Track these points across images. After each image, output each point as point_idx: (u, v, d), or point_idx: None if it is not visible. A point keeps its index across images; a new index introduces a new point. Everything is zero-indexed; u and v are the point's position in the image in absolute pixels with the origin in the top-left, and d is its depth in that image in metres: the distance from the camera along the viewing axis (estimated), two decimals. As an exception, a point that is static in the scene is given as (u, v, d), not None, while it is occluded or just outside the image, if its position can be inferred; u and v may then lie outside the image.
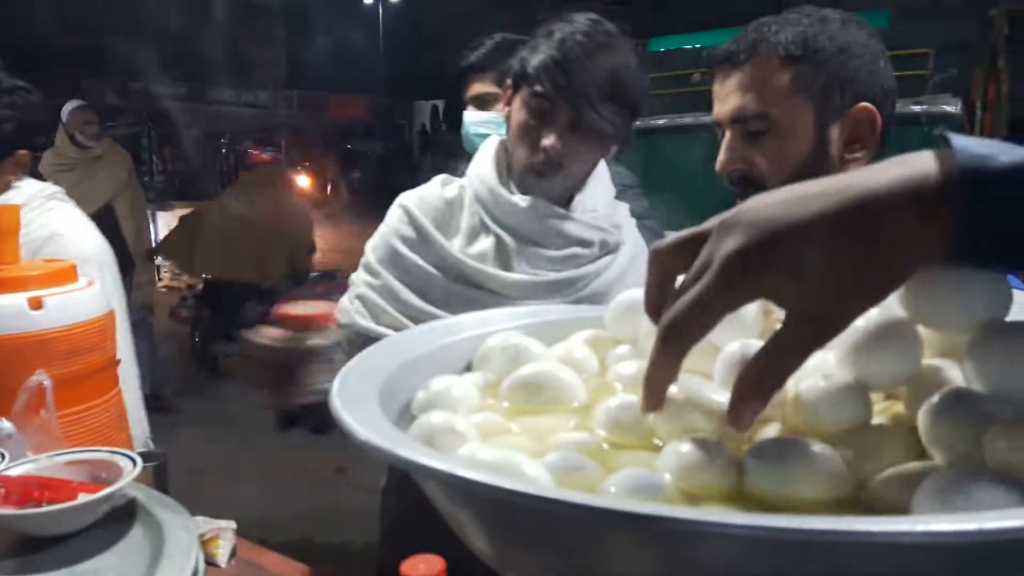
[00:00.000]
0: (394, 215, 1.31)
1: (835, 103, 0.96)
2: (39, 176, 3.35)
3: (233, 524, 1.32)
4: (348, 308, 1.28)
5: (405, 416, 0.51)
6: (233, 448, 4.26)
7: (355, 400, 0.45)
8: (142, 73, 23.80)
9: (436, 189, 1.31)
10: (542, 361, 0.56)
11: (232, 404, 4.99)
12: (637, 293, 0.64)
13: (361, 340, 1.24)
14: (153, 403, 4.35)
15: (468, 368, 0.61)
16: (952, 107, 3.85)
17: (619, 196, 1.43)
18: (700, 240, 0.45)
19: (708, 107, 3.72)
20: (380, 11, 23.50)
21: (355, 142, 23.14)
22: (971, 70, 4.35)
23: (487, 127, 1.73)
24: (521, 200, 1.20)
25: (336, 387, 0.47)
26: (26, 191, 1.72)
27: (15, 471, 0.89)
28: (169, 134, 8.80)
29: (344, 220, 16.67)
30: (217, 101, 25.05)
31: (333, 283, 5.41)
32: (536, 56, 1.17)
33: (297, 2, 24.41)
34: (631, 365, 0.57)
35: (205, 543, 1.26)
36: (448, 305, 1.19)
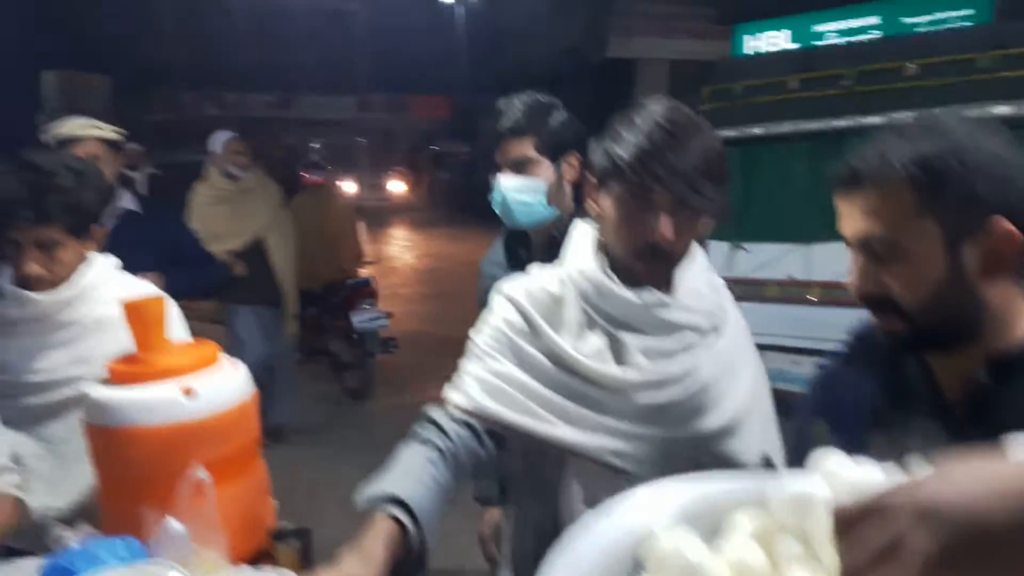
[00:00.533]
0: (502, 306, 1.34)
1: (965, 223, 0.90)
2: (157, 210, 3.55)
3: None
4: (468, 391, 1.30)
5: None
6: (324, 461, 4.41)
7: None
8: (236, 84, 24.84)
9: (539, 282, 1.33)
10: (717, 576, 0.58)
11: (318, 413, 5.33)
12: (805, 486, 0.65)
13: (483, 424, 1.28)
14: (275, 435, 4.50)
15: (638, 567, 0.64)
16: (1077, 109, 3.60)
17: None
18: (883, 513, 0.46)
19: (807, 114, 3.51)
20: (461, 11, 23.69)
21: (440, 143, 23.43)
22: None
23: (527, 193, 1.72)
24: (632, 296, 1.22)
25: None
26: (100, 263, 1.82)
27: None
28: (257, 146, 8.85)
29: (436, 224, 16.89)
30: (303, 108, 25.86)
31: (366, 288, 5.80)
32: (624, 147, 1.18)
33: (379, 5, 24.84)
34: (806, 576, 0.58)
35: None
36: (565, 396, 1.23)
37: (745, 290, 3.82)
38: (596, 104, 17.44)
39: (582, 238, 1.32)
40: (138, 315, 1.51)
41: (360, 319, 5.44)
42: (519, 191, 1.71)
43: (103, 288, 1.73)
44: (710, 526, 0.66)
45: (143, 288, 1.85)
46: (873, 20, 11.15)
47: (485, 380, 1.29)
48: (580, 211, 1.71)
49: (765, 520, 0.66)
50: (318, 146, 18.25)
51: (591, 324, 1.24)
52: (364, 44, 26.76)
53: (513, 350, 1.28)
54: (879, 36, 8.27)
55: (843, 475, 0.64)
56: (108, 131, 2.53)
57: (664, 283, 1.25)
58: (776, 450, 1.30)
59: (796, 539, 0.63)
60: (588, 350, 1.22)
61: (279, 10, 24.21)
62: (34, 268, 1.62)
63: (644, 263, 1.20)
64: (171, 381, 1.45)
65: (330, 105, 26.24)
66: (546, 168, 1.74)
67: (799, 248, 3.78)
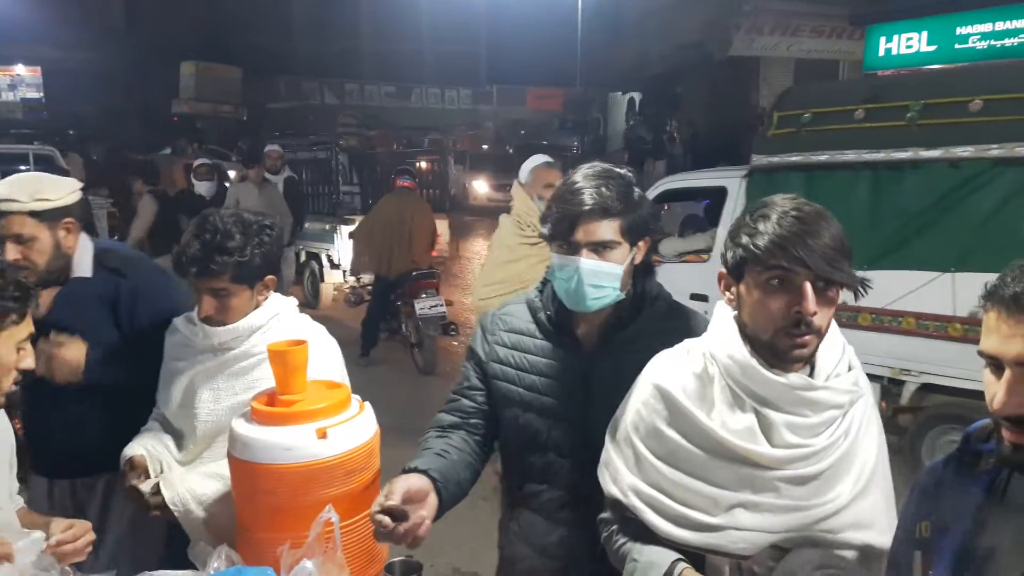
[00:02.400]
0: (648, 393, 1.40)
1: None
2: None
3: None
4: (618, 481, 1.41)
5: None
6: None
7: None
8: (356, 74, 25.66)
9: (683, 364, 1.38)
10: None
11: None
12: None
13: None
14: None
15: None
16: None
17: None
18: None
19: (870, 144, 3.48)
20: (579, 3, 23.55)
21: (550, 136, 23.46)
22: None
23: (605, 278, 1.58)
24: (777, 376, 1.27)
25: None
26: (277, 303, 1.96)
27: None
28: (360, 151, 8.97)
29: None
30: (422, 100, 26.46)
31: (431, 279, 6.51)
32: (762, 237, 1.24)
33: (497, -3, 25.00)
34: None
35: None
36: (702, 476, 1.31)
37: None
38: (717, 101, 17.00)
39: (724, 320, 1.36)
40: (281, 360, 1.63)
41: (421, 305, 6.19)
42: (595, 274, 1.57)
43: (275, 325, 1.91)
44: None
45: (312, 329, 1.99)
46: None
47: (608, 460, 1.42)
48: (642, 292, 1.65)
49: None
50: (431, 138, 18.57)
51: (739, 403, 1.31)
52: (482, 36, 27.05)
53: (655, 435, 1.37)
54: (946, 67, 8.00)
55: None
56: (33, 203, 1.96)
57: (807, 360, 1.30)
58: (891, 502, 1.35)
59: None
60: (738, 428, 1.29)
61: (400, 1, 24.74)
62: (206, 310, 1.85)
63: (790, 339, 1.25)
64: (307, 424, 1.57)
65: (447, 97, 26.76)
66: (624, 251, 1.60)
67: None
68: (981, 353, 1.02)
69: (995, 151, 3.36)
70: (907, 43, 11.66)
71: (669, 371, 1.38)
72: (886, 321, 3.83)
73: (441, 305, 6.27)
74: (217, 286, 1.81)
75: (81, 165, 12.53)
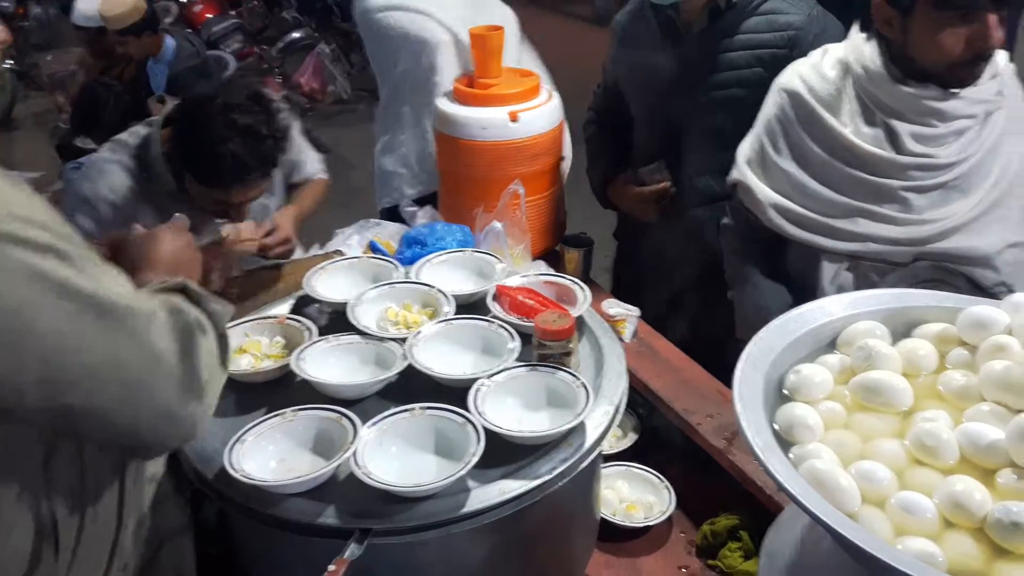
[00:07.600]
0: (780, 98, 1.44)
1: None
2: None
3: (637, 312, 1.72)
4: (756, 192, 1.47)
5: (779, 394, 0.77)
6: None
7: (751, 388, 0.72)
8: None
9: (817, 70, 1.40)
10: (888, 362, 0.77)
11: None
12: (987, 312, 0.79)
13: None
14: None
15: (834, 342, 0.84)
16: None
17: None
18: None
19: None
20: None
21: None
22: None
23: None
24: (907, 87, 1.29)
25: (739, 371, 0.74)
26: None
27: (511, 282, 1.30)
28: None
29: None
30: None
31: None
32: None
33: None
34: (960, 378, 0.76)
35: (615, 323, 1.68)
36: (827, 182, 1.36)
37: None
38: None
39: (860, 33, 1.38)
40: (482, 43, 1.80)
41: None
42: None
43: None
44: (905, 328, 0.84)
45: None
46: None
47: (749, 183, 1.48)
48: None
49: (949, 331, 0.82)
50: None
51: (868, 115, 1.34)
52: None
53: (786, 140, 1.42)
54: None
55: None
56: None
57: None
58: None
59: (968, 352, 0.79)
60: (866, 133, 1.33)
61: None
62: None
63: (966, 71, 1.28)
64: (501, 108, 1.77)
65: None
66: None
67: None
68: None
69: None
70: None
71: (801, 77, 1.41)
72: None
73: None
74: None
75: None
